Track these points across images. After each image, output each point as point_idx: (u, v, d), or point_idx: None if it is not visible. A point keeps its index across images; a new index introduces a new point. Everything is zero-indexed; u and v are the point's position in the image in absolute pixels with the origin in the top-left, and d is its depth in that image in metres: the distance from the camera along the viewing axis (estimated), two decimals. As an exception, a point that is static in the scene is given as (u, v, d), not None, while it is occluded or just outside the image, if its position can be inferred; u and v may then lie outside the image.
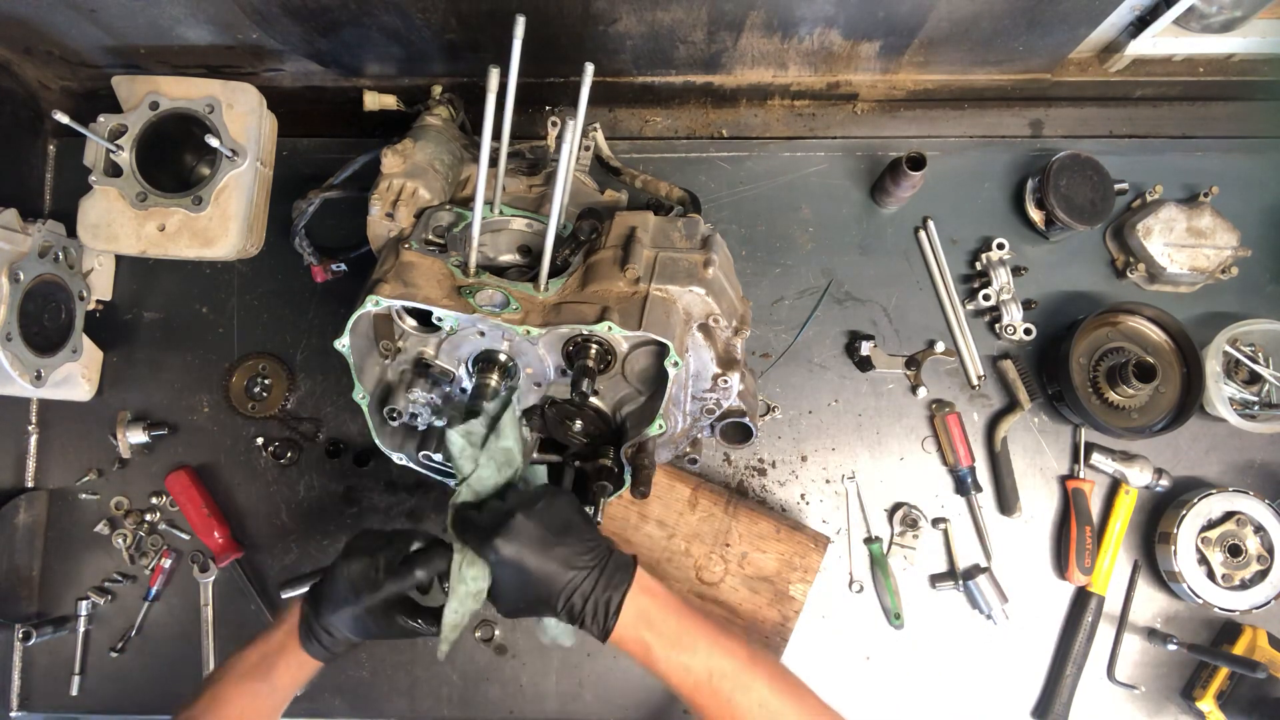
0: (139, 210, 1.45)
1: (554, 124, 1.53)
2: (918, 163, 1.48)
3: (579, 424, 1.27)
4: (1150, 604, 1.52)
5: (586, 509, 1.39)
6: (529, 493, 1.05)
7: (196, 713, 1.04)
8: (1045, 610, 1.51)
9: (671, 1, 1.35)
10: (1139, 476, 1.51)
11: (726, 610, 1.45)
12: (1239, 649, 1.44)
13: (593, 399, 1.26)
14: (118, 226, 1.45)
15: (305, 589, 1.49)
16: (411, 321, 1.22)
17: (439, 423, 1.31)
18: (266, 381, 1.58)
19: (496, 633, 1.52)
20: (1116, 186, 1.55)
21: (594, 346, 1.14)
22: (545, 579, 0.97)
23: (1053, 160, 1.54)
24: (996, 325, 1.57)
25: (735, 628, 1.09)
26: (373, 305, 1.12)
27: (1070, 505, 1.50)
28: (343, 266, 1.58)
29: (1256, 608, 1.44)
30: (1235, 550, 1.46)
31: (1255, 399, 1.54)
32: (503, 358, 1.20)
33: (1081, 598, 1.49)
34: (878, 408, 1.57)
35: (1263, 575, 1.45)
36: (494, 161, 1.15)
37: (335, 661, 1.09)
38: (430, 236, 1.24)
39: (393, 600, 1.04)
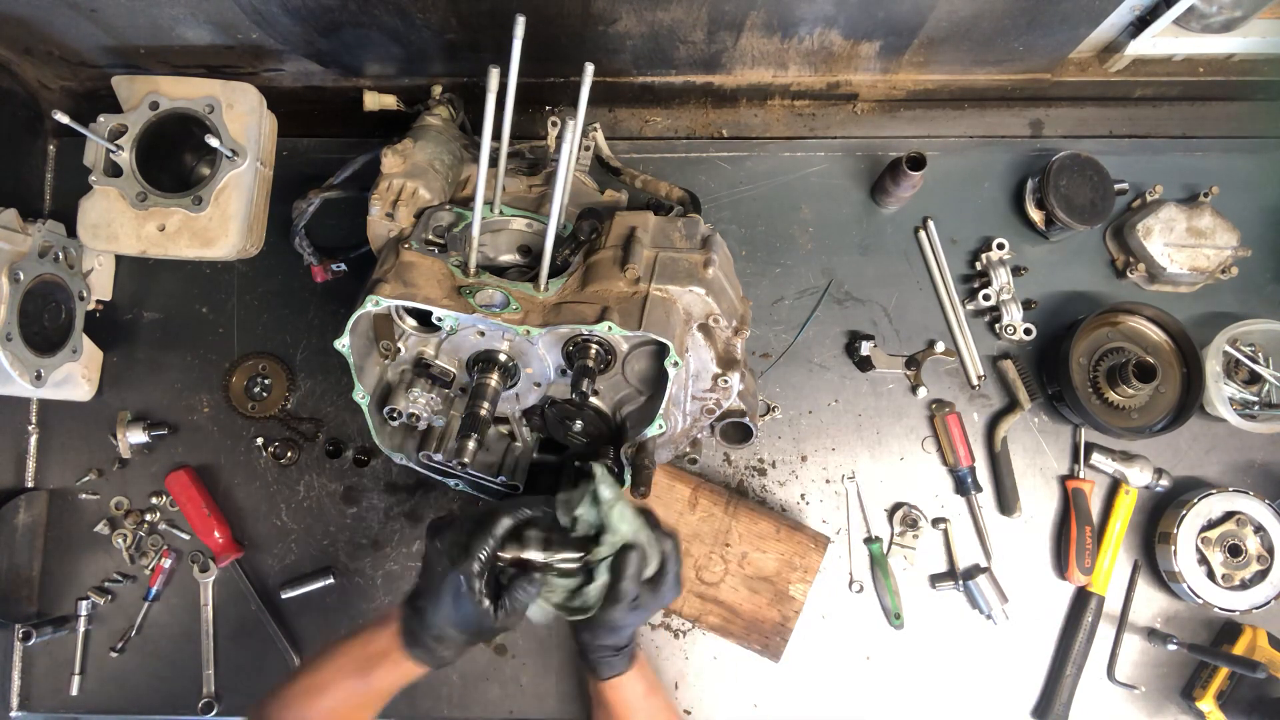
0: (139, 210, 1.45)
1: (554, 124, 1.53)
2: (918, 163, 1.48)
3: (579, 424, 1.27)
4: (1150, 604, 1.52)
5: None
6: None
7: (294, 694, 1.06)
8: (1045, 610, 1.51)
9: (671, 1, 1.35)
10: (1139, 476, 1.51)
11: (726, 610, 1.45)
12: (1239, 649, 1.44)
13: (593, 399, 1.26)
14: (118, 226, 1.45)
15: (306, 589, 1.51)
16: (411, 321, 1.22)
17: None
18: (266, 381, 1.58)
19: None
20: (1116, 186, 1.55)
21: (594, 346, 1.14)
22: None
23: (1053, 160, 1.54)
24: (996, 325, 1.57)
25: None
26: (372, 305, 1.12)
27: (1070, 505, 1.50)
28: (343, 266, 1.57)
29: (1256, 608, 1.44)
30: (1235, 550, 1.46)
31: (1255, 399, 1.54)
32: (503, 358, 1.20)
33: (1081, 598, 1.49)
34: (878, 408, 1.57)
35: (1263, 575, 1.45)
36: (494, 161, 1.15)
37: (443, 667, 1.09)
38: (430, 236, 1.24)
39: (490, 567, 1.02)
